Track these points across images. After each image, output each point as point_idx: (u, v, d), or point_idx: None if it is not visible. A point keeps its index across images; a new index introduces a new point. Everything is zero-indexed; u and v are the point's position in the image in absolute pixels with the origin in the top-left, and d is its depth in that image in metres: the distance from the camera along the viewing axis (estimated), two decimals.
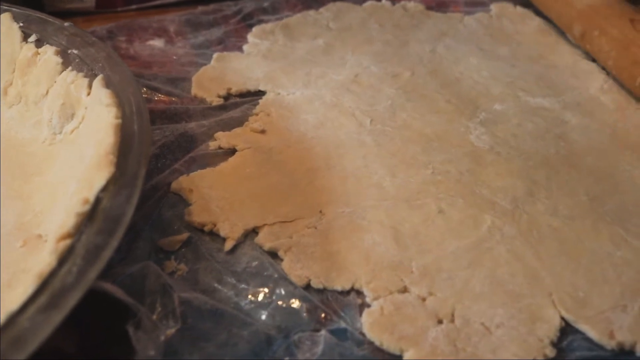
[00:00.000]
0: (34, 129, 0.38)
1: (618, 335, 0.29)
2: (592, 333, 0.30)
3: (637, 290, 0.32)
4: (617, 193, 0.38)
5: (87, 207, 0.27)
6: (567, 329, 0.30)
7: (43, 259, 0.25)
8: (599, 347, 0.29)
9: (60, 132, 0.37)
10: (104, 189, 0.28)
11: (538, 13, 0.58)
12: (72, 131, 0.36)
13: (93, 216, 0.27)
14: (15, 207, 0.34)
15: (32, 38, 0.41)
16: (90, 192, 0.28)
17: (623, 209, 0.37)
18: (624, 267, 0.33)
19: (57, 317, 0.23)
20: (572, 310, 0.31)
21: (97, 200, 0.28)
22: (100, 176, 0.28)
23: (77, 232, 0.26)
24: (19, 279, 0.29)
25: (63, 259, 0.25)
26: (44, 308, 0.23)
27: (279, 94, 0.46)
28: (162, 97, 0.46)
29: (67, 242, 0.26)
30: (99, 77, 0.35)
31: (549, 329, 0.30)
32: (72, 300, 0.24)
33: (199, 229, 0.35)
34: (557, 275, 0.32)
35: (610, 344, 0.29)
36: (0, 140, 0.38)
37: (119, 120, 0.31)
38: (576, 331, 0.30)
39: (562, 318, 0.30)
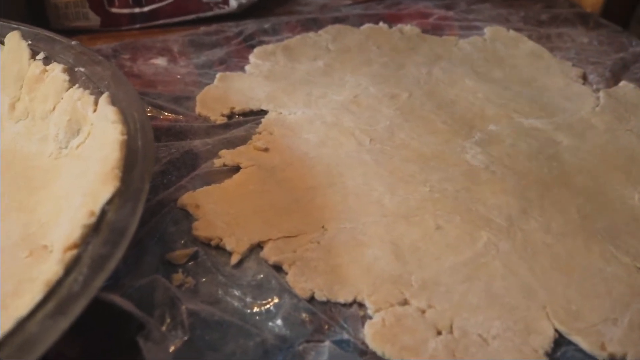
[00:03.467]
0: (40, 143, 0.39)
1: (609, 347, 0.31)
2: (585, 345, 0.31)
3: (627, 304, 0.33)
4: (607, 212, 0.39)
5: (93, 220, 0.28)
6: (560, 341, 0.31)
7: (50, 268, 0.26)
8: (591, 358, 0.31)
9: (66, 147, 0.38)
10: (110, 202, 0.29)
11: (531, 37, 0.60)
12: (78, 146, 0.37)
13: (99, 228, 0.28)
14: (21, 219, 0.34)
15: (40, 56, 0.41)
16: (96, 205, 0.29)
17: (613, 227, 0.38)
18: (614, 282, 0.34)
19: (64, 323, 0.24)
20: (565, 323, 0.32)
21: (103, 212, 0.28)
22: (106, 190, 0.29)
23: (83, 242, 0.27)
24: (25, 288, 0.30)
25: (69, 268, 0.26)
26: (51, 314, 0.24)
27: (280, 113, 0.47)
28: (167, 115, 0.47)
29: (74, 252, 0.27)
30: (105, 95, 0.36)
31: (544, 340, 0.31)
32: (79, 307, 0.24)
33: (205, 244, 0.36)
34: (551, 289, 0.34)
35: (601, 356, 0.30)
36: (7, 153, 0.39)
37: (125, 137, 0.33)
38: (569, 343, 0.31)
39: (556, 330, 0.32)
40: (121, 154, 0.31)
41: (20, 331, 0.23)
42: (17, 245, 0.33)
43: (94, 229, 0.28)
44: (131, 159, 0.32)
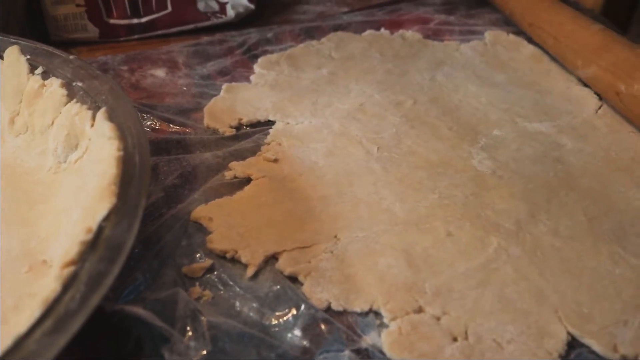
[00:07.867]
0: (40, 157, 0.40)
1: (621, 349, 0.31)
2: (597, 347, 0.31)
3: (637, 306, 0.34)
4: (614, 213, 0.40)
5: (90, 236, 0.28)
6: (573, 343, 0.32)
7: (48, 285, 0.27)
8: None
9: (65, 161, 0.38)
10: (106, 218, 0.29)
11: (530, 40, 0.61)
12: (76, 161, 0.37)
13: (95, 244, 0.28)
14: (21, 234, 0.35)
15: (39, 70, 0.42)
16: (93, 221, 0.29)
17: (620, 228, 0.39)
18: (624, 284, 0.35)
19: (62, 340, 0.24)
20: (577, 326, 0.32)
21: (100, 229, 0.29)
22: (102, 206, 0.30)
23: (81, 259, 0.28)
24: (24, 303, 0.30)
25: (67, 285, 0.27)
26: (49, 332, 0.24)
27: (288, 123, 0.48)
28: (176, 128, 0.48)
29: (71, 269, 0.27)
30: (102, 110, 0.37)
31: (557, 343, 0.32)
32: (76, 324, 0.25)
33: (220, 256, 0.36)
34: (561, 292, 0.34)
35: (614, 357, 0.31)
36: (7, 168, 0.40)
37: (121, 153, 0.33)
38: (582, 345, 0.32)
39: (568, 333, 0.32)
40: (118, 170, 0.32)
41: (19, 349, 0.24)
42: (17, 259, 0.33)
43: (91, 246, 0.28)
44: (128, 175, 0.32)
